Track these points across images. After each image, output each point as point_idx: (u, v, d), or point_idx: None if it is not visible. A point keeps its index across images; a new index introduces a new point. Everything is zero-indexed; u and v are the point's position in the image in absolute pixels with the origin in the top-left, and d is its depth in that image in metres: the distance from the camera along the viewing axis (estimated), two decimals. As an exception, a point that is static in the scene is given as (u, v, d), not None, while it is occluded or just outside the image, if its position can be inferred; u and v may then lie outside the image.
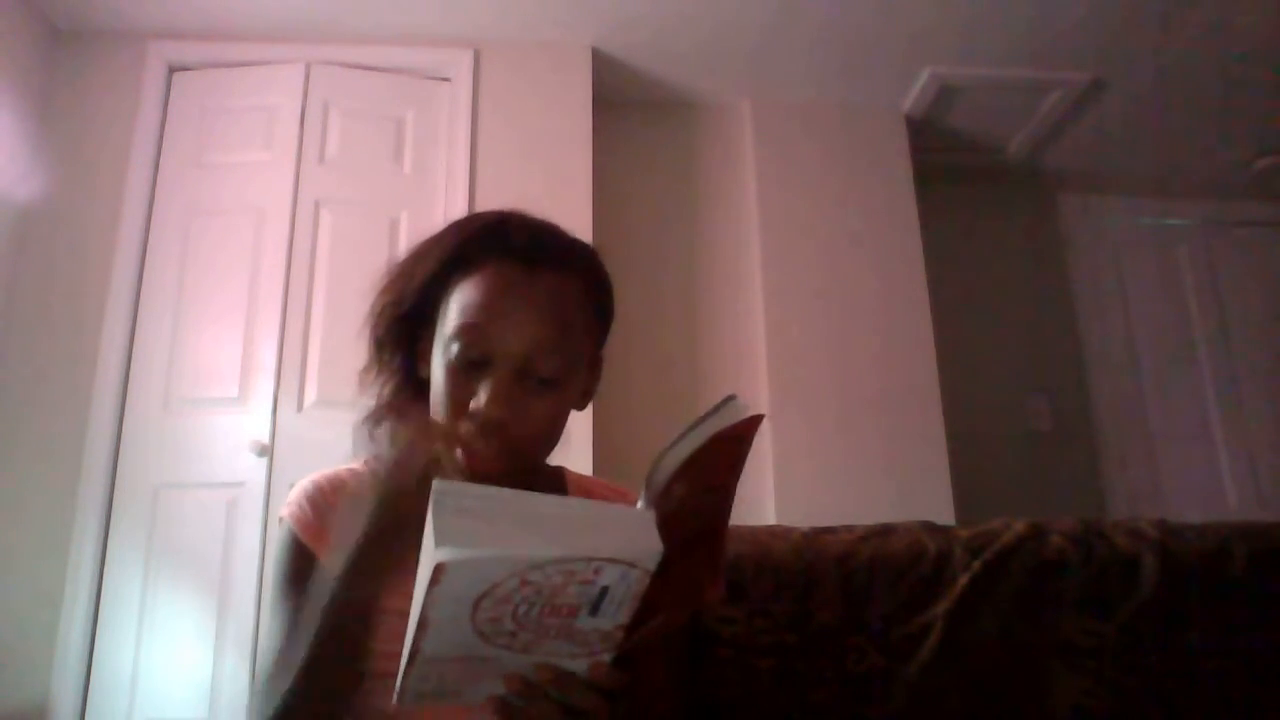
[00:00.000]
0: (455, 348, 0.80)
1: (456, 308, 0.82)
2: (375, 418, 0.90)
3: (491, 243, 0.84)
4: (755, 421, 0.69)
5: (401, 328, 0.87)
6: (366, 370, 0.91)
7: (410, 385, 0.89)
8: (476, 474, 0.80)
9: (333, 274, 2.61)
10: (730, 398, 0.70)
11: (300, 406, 2.51)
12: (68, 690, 2.28)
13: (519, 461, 0.83)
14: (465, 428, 0.78)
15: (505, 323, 0.80)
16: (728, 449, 0.69)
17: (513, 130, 2.84)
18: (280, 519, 0.88)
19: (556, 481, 0.96)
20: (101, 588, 2.37)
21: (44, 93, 2.71)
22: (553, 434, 0.85)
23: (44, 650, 2.31)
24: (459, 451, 0.80)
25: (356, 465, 0.91)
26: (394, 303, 0.87)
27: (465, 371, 0.80)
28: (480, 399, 0.78)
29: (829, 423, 2.89)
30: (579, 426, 2.39)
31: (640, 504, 0.66)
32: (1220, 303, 3.74)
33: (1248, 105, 3.23)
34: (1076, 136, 3.43)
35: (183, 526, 2.42)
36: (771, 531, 1.15)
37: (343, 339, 2.51)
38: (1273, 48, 2.89)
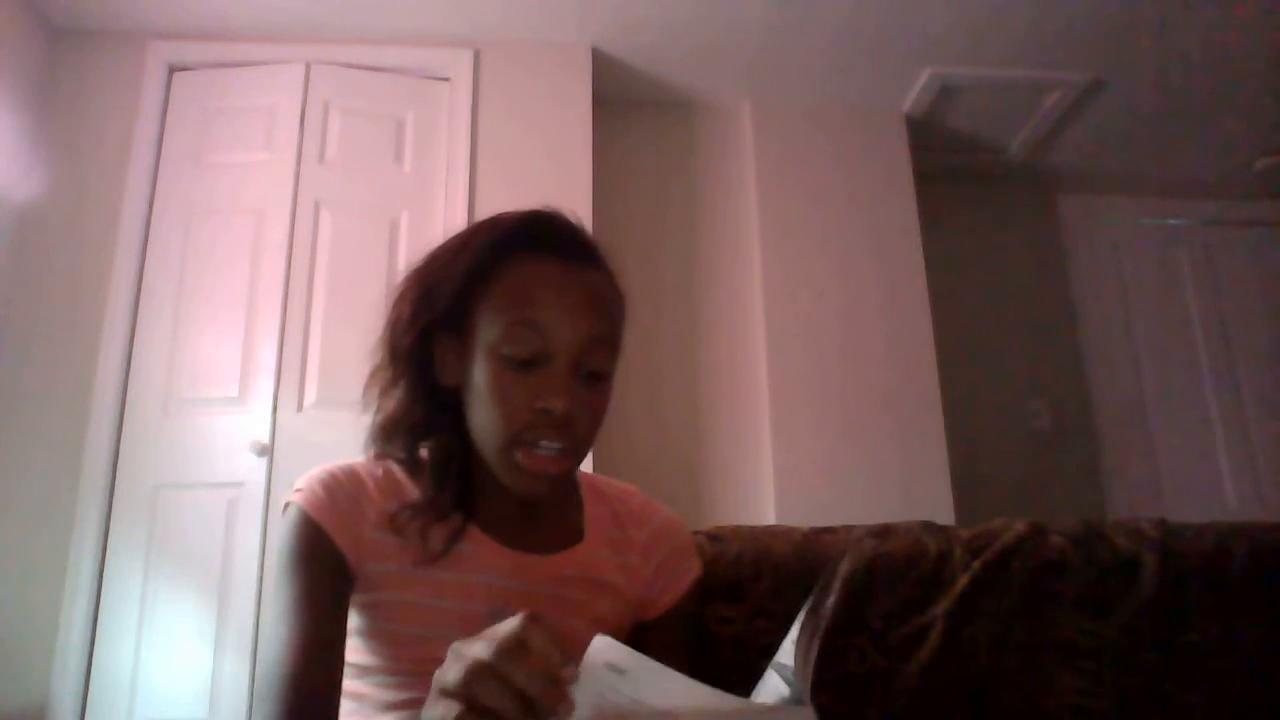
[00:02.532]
0: (508, 350, 0.79)
1: (503, 309, 0.80)
2: (389, 429, 0.87)
3: (526, 241, 0.82)
4: None
5: (424, 336, 0.85)
6: (376, 379, 0.87)
7: (426, 394, 0.86)
8: (550, 475, 0.80)
9: (333, 274, 2.61)
10: (859, 542, 0.70)
11: (300, 406, 2.51)
12: (68, 690, 2.28)
13: (580, 456, 0.84)
14: (533, 434, 0.79)
15: (558, 318, 0.79)
16: None
17: (513, 130, 2.83)
18: (286, 505, 0.85)
19: (569, 482, 0.96)
20: (101, 588, 2.37)
21: (44, 92, 2.70)
22: (599, 429, 0.85)
23: (44, 650, 2.31)
24: (522, 454, 0.79)
25: (364, 461, 0.89)
26: (423, 310, 0.84)
27: (520, 371, 0.79)
28: (548, 399, 0.78)
29: (829, 423, 2.89)
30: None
31: (787, 679, 0.63)
32: (1220, 303, 3.74)
33: (1248, 105, 3.23)
34: (1076, 136, 3.43)
35: (183, 526, 2.42)
36: (771, 531, 1.15)
37: (343, 339, 2.51)
38: (1272, 48, 2.89)
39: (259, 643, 2.29)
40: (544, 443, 0.79)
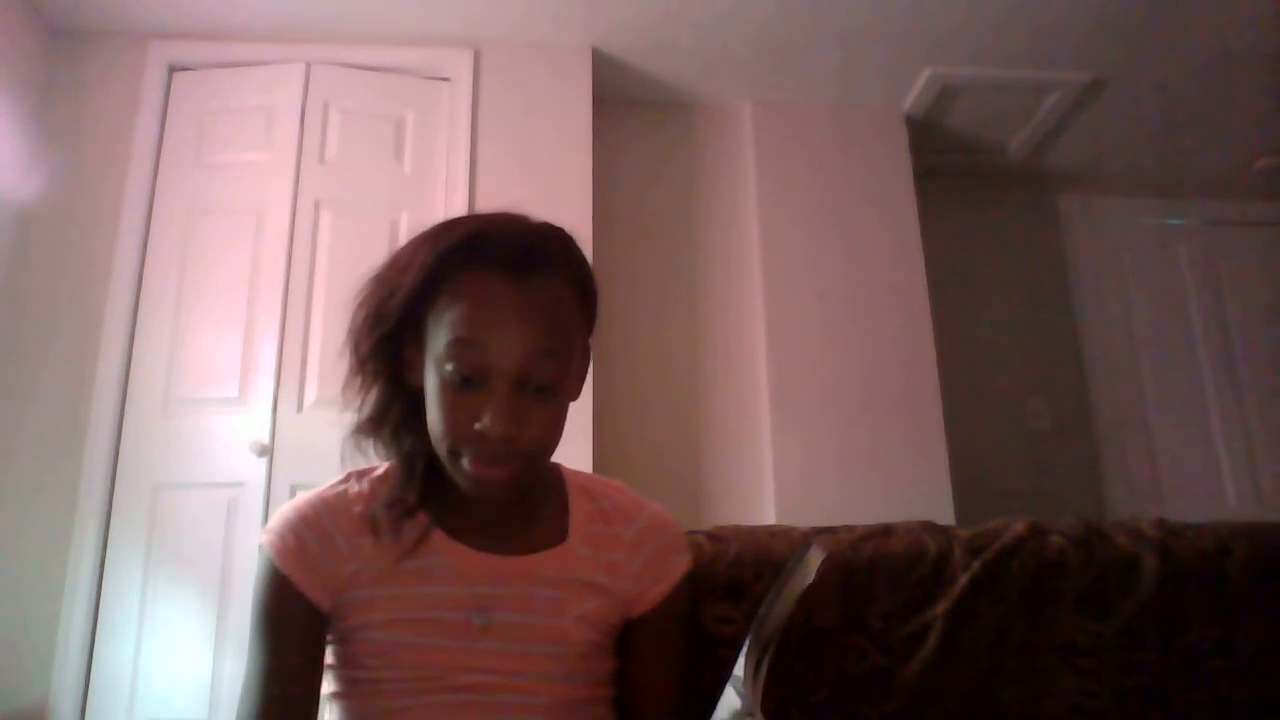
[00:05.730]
0: (449, 367, 0.79)
1: (445, 325, 0.80)
2: (366, 429, 0.89)
3: (472, 254, 0.81)
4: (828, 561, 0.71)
5: (385, 342, 0.85)
6: (350, 382, 0.88)
7: (398, 395, 0.87)
8: (494, 481, 0.81)
9: (333, 274, 2.61)
10: (807, 546, 0.70)
11: (300, 406, 2.51)
12: (68, 690, 2.28)
13: (529, 470, 0.84)
14: (472, 450, 0.79)
15: (498, 337, 0.78)
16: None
17: (513, 130, 2.84)
18: (260, 546, 0.86)
19: (554, 480, 0.96)
20: (101, 588, 2.37)
21: (44, 92, 2.70)
22: (557, 435, 0.85)
23: (44, 650, 2.31)
24: (466, 462, 0.80)
25: (341, 485, 0.90)
26: (376, 320, 0.85)
27: (462, 388, 0.79)
28: (485, 419, 0.78)
29: (829, 423, 2.89)
30: (579, 425, 2.39)
31: (739, 692, 0.64)
32: (1220, 303, 3.73)
33: (1248, 105, 3.23)
34: (1076, 136, 3.43)
35: (183, 526, 2.42)
36: (771, 531, 1.15)
37: (342, 339, 2.51)
38: (1273, 48, 2.89)
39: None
40: (484, 462, 0.80)
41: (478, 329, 0.79)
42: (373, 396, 0.88)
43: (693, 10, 2.76)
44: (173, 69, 2.79)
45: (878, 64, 3.02)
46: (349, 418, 0.89)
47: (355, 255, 2.62)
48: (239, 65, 2.80)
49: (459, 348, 0.79)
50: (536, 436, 0.81)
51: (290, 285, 2.59)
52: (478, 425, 0.78)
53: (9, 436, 2.45)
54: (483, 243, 0.82)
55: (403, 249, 0.88)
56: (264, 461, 2.44)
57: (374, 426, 0.88)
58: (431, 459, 0.86)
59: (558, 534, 0.91)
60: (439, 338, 0.80)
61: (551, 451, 0.86)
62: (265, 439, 2.45)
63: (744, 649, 0.65)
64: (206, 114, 2.75)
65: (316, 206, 2.67)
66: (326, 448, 0.95)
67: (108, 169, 2.66)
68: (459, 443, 0.80)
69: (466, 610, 0.85)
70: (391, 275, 0.86)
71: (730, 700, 0.65)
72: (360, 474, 0.91)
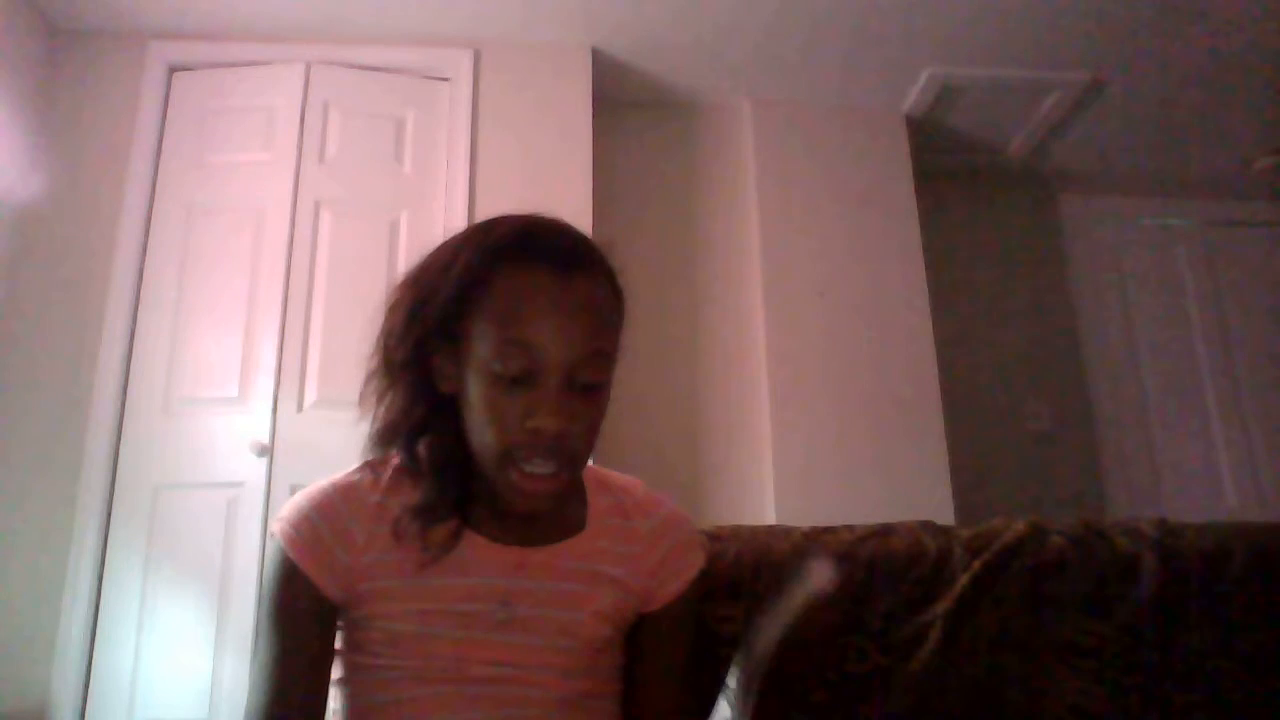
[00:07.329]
0: (498, 365, 0.78)
1: (493, 324, 0.79)
2: (386, 434, 0.87)
3: (517, 252, 0.81)
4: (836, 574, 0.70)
5: (419, 345, 0.84)
6: (371, 387, 0.87)
7: (420, 399, 0.86)
8: (545, 494, 0.81)
9: (333, 274, 2.60)
10: (811, 559, 0.69)
11: (300, 406, 2.51)
12: (68, 690, 2.28)
13: (576, 471, 0.84)
14: (525, 453, 0.79)
15: (548, 335, 0.78)
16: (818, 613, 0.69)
17: (513, 130, 2.83)
18: (271, 534, 0.86)
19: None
20: (101, 588, 2.36)
21: (44, 92, 2.70)
22: (598, 435, 0.85)
23: (44, 650, 2.31)
24: (516, 475, 0.79)
25: (356, 473, 0.89)
26: (414, 321, 0.83)
27: (510, 387, 0.79)
28: (537, 417, 0.78)
29: (829, 422, 2.89)
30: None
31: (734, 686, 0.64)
32: (1220, 303, 3.74)
33: (1248, 105, 3.23)
34: (1076, 136, 3.43)
35: (183, 526, 2.41)
36: (771, 531, 1.16)
37: (343, 339, 2.51)
38: (1273, 48, 2.89)
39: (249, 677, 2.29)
40: (537, 461, 0.79)
41: (529, 327, 0.79)
42: (395, 401, 0.86)
43: (693, 10, 2.76)
44: (173, 69, 2.79)
45: (878, 64, 3.02)
46: (365, 425, 0.88)
47: (355, 255, 2.62)
48: (239, 65, 2.80)
49: (509, 346, 0.78)
50: (583, 434, 0.81)
51: (290, 285, 2.59)
52: (531, 424, 0.78)
53: (8, 436, 2.45)
54: (531, 241, 0.82)
55: (438, 251, 0.87)
56: (264, 461, 2.43)
57: (394, 432, 0.87)
58: (463, 462, 0.85)
59: (575, 525, 0.91)
60: (483, 338, 0.80)
61: (589, 455, 0.86)
62: (265, 439, 2.45)
63: (739, 660, 0.65)
64: (206, 114, 2.75)
65: (316, 206, 2.67)
66: (327, 447, 0.95)
67: (108, 169, 2.66)
68: (510, 445, 0.79)
69: (487, 602, 0.85)
70: (429, 276, 0.84)
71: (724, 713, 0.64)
72: (376, 463, 0.89)
